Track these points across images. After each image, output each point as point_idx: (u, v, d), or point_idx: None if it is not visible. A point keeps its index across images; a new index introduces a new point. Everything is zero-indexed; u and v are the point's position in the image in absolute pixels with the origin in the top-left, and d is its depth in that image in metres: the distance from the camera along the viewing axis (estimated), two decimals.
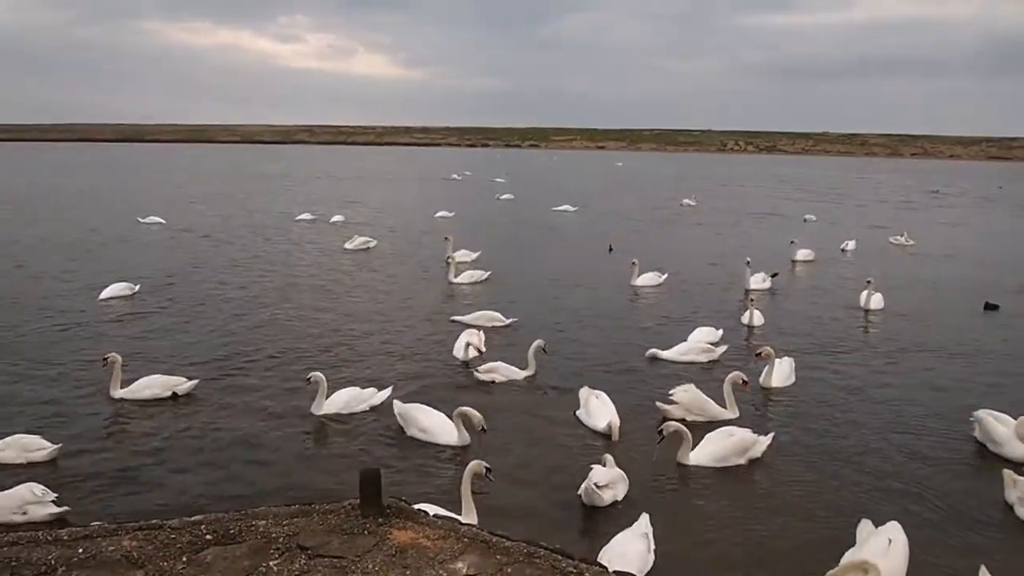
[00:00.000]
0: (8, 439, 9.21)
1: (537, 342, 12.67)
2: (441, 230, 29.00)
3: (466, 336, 13.48)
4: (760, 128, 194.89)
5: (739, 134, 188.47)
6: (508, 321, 16.06)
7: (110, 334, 14.94)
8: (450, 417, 10.04)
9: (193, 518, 6.01)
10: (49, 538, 5.65)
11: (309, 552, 5.56)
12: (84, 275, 20.64)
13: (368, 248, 26.03)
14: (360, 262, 23.91)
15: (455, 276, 20.55)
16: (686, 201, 45.29)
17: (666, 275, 20.84)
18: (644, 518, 7.54)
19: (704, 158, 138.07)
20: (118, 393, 11.17)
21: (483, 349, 13.15)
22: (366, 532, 5.88)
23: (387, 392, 11.22)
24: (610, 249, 26.32)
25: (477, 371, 12.60)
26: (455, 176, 70.39)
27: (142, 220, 32.27)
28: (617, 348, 14.55)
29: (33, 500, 7.82)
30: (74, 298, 17.92)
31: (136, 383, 11.30)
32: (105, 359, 11.25)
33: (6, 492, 7.88)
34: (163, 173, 71.76)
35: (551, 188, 56.53)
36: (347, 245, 26.19)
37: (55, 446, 9.22)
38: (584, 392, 11.03)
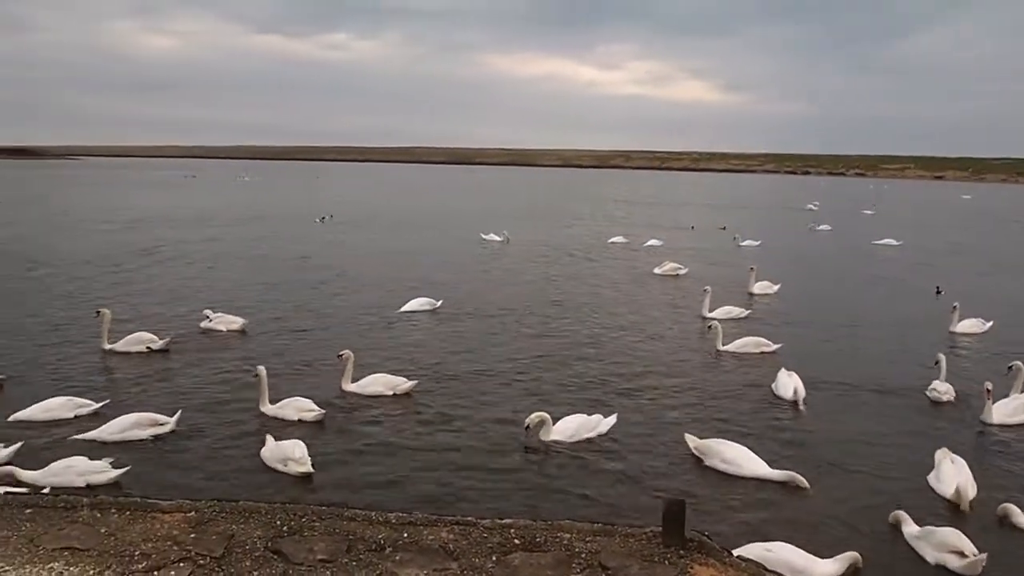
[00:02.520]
0: (287, 400, 11.52)
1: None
2: (748, 260, 28.04)
3: (789, 376, 12.76)
4: None
5: None
6: (774, 347, 15.66)
7: (401, 342, 16.20)
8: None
9: (503, 521, 6.30)
10: (380, 519, 6.23)
11: (610, 572, 5.58)
12: (402, 286, 22.57)
13: (678, 275, 25.87)
14: (665, 288, 23.81)
15: (709, 310, 19.14)
16: None
17: (991, 323, 18.20)
18: None
19: None
20: (349, 387, 12.57)
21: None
22: (667, 562, 5.77)
23: (612, 420, 11.05)
24: (938, 291, 23.50)
25: (801, 406, 12.11)
26: (810, 207, 66.74)
27: (484, 236, 35.20)
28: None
29: (293, 459, 9.32)
30: (381, 311, 19.19)
31: (363, 380, 12.62)
32: (340, 355, 12.76)
33: (280, 443, 9.59)
34: (494, 193, 77.35)
35: (875, 220, 52.46)
36: (656, 270, 26.29)
37: (322, 411, 11.26)
38: (939, 454, 9.73)
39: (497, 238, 34.94)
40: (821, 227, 45.91)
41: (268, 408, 11.56)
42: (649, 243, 34.51)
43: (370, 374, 12.84)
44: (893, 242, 37.60)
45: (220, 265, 26.50)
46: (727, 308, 19.26)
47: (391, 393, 12.46)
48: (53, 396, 11.41)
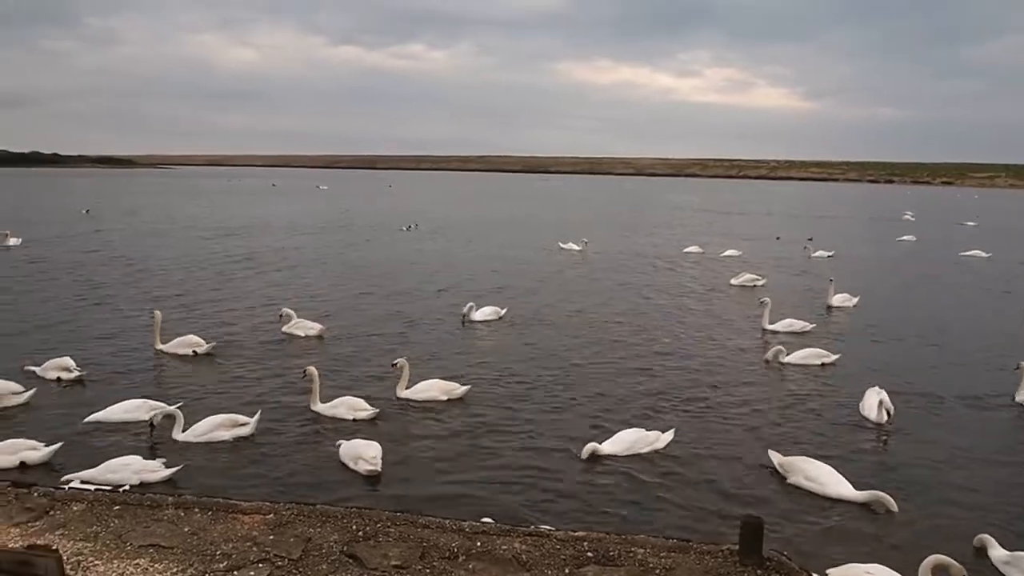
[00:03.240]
0: (340, 399, 11.89)
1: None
2: (827, 271, 27.30)
3: (878, 395, 12.24)
4: None
5: None
6: (834, 358, 15.34)
7: (468, 350, 16.29)
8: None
9: (576, 533, 6.25)
10: (453, 527, 6.24)
11: None
12: (477, 294, 22.79)
13: (755, 286, 25.33)
14: (741, 299, 23.34)
15: (769, 323, 18.72)
16: None
17: None
18: None
19: None
20: (403, 393, 12.68)
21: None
22: None
23: (670, 435, 10.78)
24: None
25: (884, 420, 11.69)
26: (906, 216, 64.61)
27: (563, 245, 35.31)
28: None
29: (364, 458, 9.62)
30: (452, 319, 19.25)
31: (418, 385, 12.76)
32: (394, 364, 12.89)
33: (357, 441, 9.93)
34: (569, 202, 77.33)
35: (976, 232, 50.46)
36: (733, 281, 25.82)
37: (376, 409, 11.68)
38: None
39: (576, 247, 34.90)
40: (905, 238, 44.46)
41: (319, 407, 11.87)
42: (727, 253, 33.95)
43: (426, 380, 13.01)
44: (981, 254, 36.08)
45: (313, 272, 27.15)
46: (789, 321, 18.81)
47: (445, 398, 12.59)
48: (130, 398, 11.80)
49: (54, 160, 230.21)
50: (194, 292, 22.40)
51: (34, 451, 9.68)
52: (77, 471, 9.12)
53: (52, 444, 9.77)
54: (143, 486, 8.79)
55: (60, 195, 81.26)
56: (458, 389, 12.80)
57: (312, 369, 12.11)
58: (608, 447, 10.38)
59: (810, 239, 40.43)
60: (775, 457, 9.97)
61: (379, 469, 9.61)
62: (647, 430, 10.82)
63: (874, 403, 12.05)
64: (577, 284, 25.57)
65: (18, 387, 12.03)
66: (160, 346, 15.44)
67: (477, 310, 18.97)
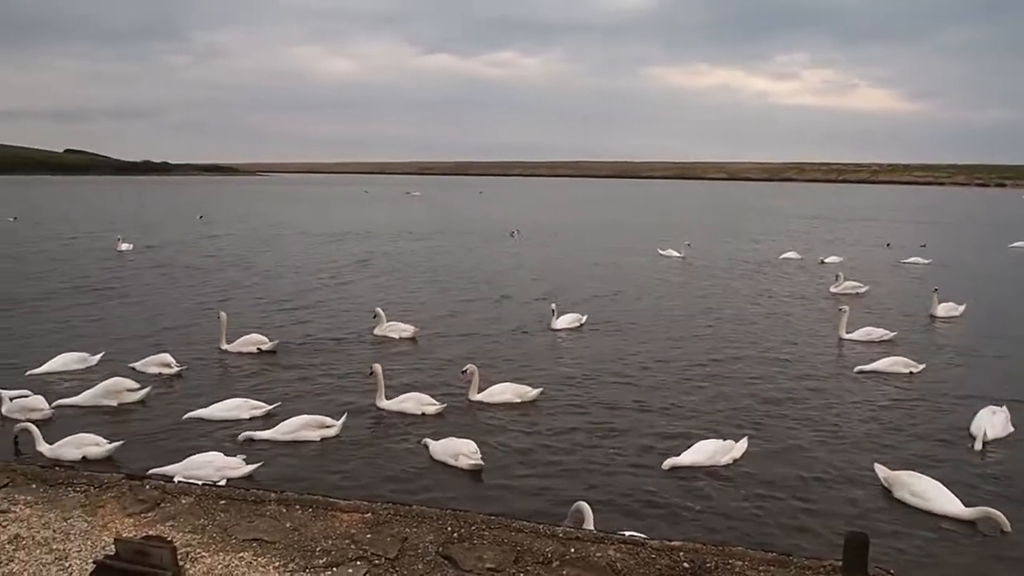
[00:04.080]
0: (407, 395, 12.33)
1: None
2: (932, 279, 26.10)
3: (995, 414, 11.50)
4: None
5: None
6: (920, 367, 14.85)
7: (549, 355, 16.33)
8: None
9: (672, 542, 6.13)
10: (547, 532, 6.22)
11: None
12: (570, 300, 22.74)
13: (858, 293, 24.43)
14: (839, 307, 22.48)
15: (847, 332, 18.05)
16: None
17: None
18: None
19: None
20: (476, 397, 12.77)
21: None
22: None
23: (743, 444, 10.50)
24: None
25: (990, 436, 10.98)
26: None
27: (662, 252, 35.02)
28: None
29: (465, 454, 9.91)
30: (539, 325, 19.22)
31: (491, 389, 12.85)
32: (464, 371, 12.99)
33: (452, 439, 10.22)
34: (664, 207, 76.51)
35: None
36: (833, 288, 24.98)
37: (442, 404, 12.11)
38: None
39: (676, 253, 34.42)
40: (1017, 244, 42.17)
41: (385, 403, 12.22)
42: (827, 260, 32.89)
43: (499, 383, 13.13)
44: None
45: (420, 276, 27.87)
46: (867, 329, 18.15)
47: (519, 401, 12.66)
48: (230, 397, 12.31)
49: (164, 168, 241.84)
50: (306, 295, 23.39)
51: (96, 447, 10.22)
52: (160, 465, 9.55)
53: (114, 442, 10.28)
54: (227, 481, 9.11)
55: (173, 202, 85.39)
56: (531, 392, 12.86)
57: (377, 367, 12.48)
58: (688, 457, 10.15)
59: (923, 245, 38.85)
60: (880, 470, 9.60)
61: (482, 463, 9.83)
62: (723, 439, 10.60)
63: (981, 423, 11.35)
64: (673, 290, 25.33)
65: (134, 384, 12.69)
66: (225, 346, 16.03)
67: (558, 317, 18.88)
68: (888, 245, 40.98)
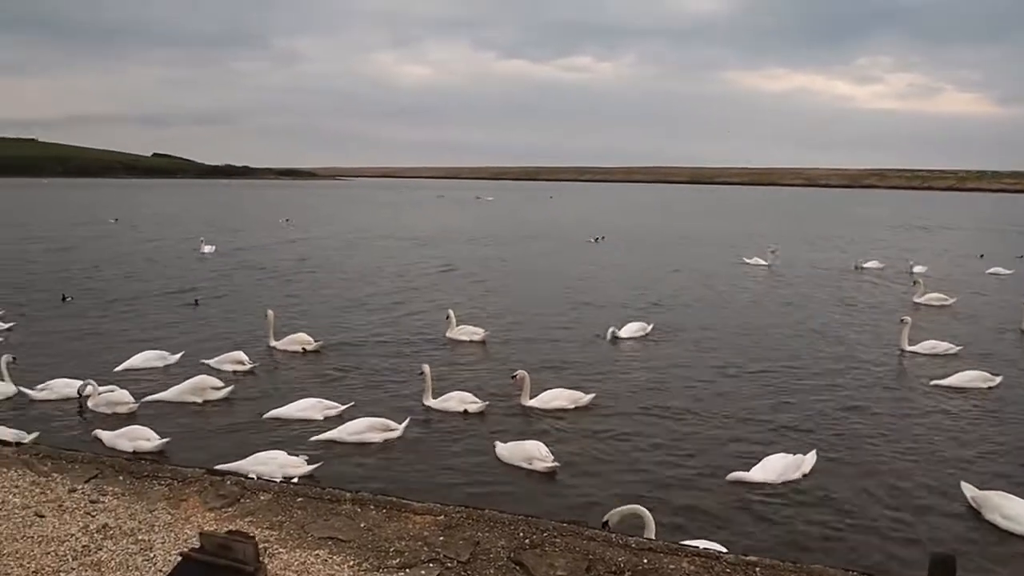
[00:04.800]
0: (450, 393, 12.66)
1: None
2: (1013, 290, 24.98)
3: None
4: None
5: None
6: (997, 380, 14.32)
7: (612, 364, 16.16)
8: None
9: (748, 557, 6.00)
10: (619, 542, 6.16)
11: None
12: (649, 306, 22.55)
13: (943, 305, 23.54)
14: (923, 319, 21.67)
15: (908, 344, 17.48)
16: None
17: None
18: None
19: None
20: (529, 403, 12.82)
21: None
22: None
23: (812, 457, 10.20)
24: None
25: None
26: None
27: (747, 260, 34.48)
28: None
29: (539, 457, 10.02)
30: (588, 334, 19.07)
31: (543, 395, 12.90)
32: (514, 376, 13.09)
33: (521, 443, 10.33)
34: (743, 214, 75.27)
35: None
36: (916, 299, 24.14)
37: (484, 403, 12.43)
38: None
39: (762, 261, 33.74)
40: None
41: (431, 402, 12.54)
42: (913, 269, 31.72)
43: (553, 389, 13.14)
44: None
45: (504, 281, 28.20)
46: (932, 343, 17.50)
47: (572, 407, 12.61)
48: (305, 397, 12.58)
49: (244, 172, 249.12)
50: (383, 297, 23.94)
51: (147, 441, 10.61)
52: (229, 461, 9.81)
53: (164, 438, 10.67)
54: (286, 479, 9.32)
55: (255, 205, 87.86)
56: (584, 398, 12.81)
57: (427, 367, 12.81)
58: (757, 475, 9.81)
59: (1020, 256, 37.26)
60: (968, 489, 9.21)
61: (557, 463, 9.96)
62: (791, 453, 10.29)
63: None
64: (754, 299, 24.93)
65: (218, 382, 13.14)
66: (273, 343, 16.47)
67: (621, 328, 18.64)
68: (982, 256, 39.35)
